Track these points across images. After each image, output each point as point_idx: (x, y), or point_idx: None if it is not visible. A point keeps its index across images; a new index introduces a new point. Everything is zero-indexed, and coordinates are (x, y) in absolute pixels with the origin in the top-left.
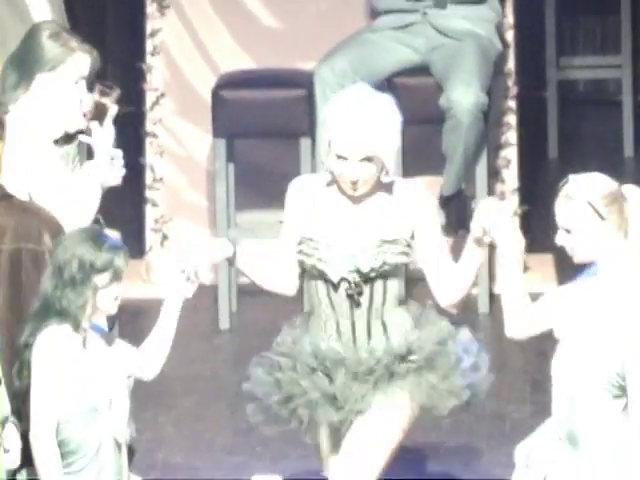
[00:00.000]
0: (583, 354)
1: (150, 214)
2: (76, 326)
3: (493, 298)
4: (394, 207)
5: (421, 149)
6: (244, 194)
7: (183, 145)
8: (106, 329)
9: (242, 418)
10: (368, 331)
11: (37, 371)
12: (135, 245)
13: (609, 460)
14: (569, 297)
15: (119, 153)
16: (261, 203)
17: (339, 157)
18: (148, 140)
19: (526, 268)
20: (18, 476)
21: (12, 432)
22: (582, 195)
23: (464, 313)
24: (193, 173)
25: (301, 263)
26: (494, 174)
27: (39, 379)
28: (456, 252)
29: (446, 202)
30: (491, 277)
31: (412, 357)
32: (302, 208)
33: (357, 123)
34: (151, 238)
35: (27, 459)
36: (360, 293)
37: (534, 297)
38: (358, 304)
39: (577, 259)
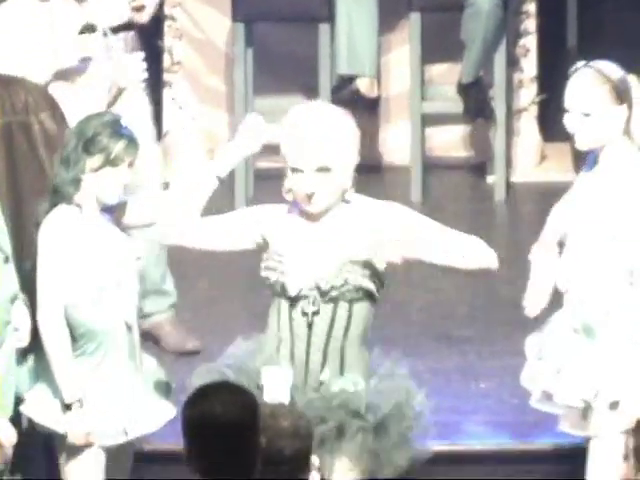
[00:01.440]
0: (593, 243)
1: (168, 96)
2: (69, 203)
3: (510, 186)
4: (362, 227)
5: (440, 37)
6: (262, 79)
7: (202, 29)
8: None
9: (258, 302)
10: (323, 361)
11: (43, 251)
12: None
13: (625, 350)
14: (571, 193)
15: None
16: (279, 88)
17: (294, 170)
18: (167, 23)
19: (543, 157)
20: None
21: (21, 310)
22: (602, 78)
23: (481, 202)
24: (212, 57)
25: (265, 279)
26: (513, 62)
27: (45, 259)
28: (472, 139)
29: (464, 90)
30: (508, 165)
31: (368, 416)
32: (271, 224)
33: (309, 132)
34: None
35: (37, 343)
36: (316, 313)
37: (551, 186)
38: (311, 326)
39: (585, 145)
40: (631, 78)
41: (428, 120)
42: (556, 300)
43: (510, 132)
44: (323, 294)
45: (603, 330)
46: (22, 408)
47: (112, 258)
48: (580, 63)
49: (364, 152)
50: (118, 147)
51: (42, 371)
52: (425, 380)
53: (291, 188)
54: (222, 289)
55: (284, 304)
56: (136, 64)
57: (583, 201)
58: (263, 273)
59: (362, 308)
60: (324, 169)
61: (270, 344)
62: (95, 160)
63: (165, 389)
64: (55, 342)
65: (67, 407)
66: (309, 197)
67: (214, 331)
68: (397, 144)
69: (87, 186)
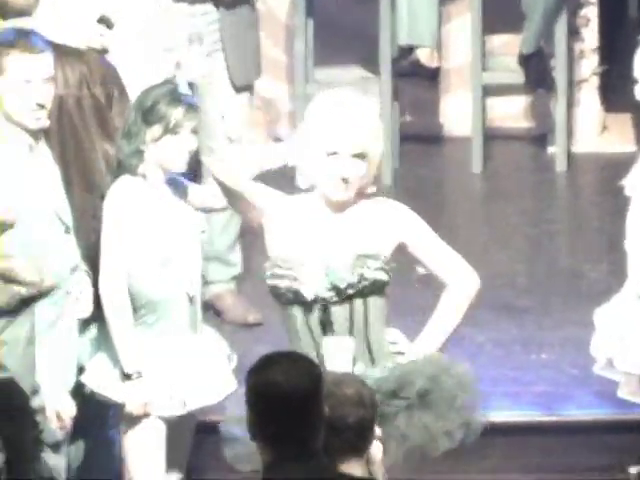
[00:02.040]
0: None
1: None
2: (133, 175)
3: (571, 157)
4: (374, 221)
5: (501, 7)
6: (323, 50)
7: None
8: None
9: None
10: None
11: (107, 220)
12: None
13: None
14: None
15: None
16: (339, 59)
17: (329, 154)
18: None
19: (604, 128)
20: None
21: (83, 280)
22: None
23: (542, 172)
24: (273, 28)
25: (274, 288)
26: (574, 33)
27: (109, 228)
28: (533, 110)
29: (525, 60)
30: (569, 135)
31: (402, 394)
32: (278, 226)
33: (349, 116)
34: None
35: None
36: (328, 321)
37: (612, 157)
38: (332, 327)
39: None
40: None
41: (489, 91)
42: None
43: (571, 103)
44: (340, 293)
45: None
46: (82, 378)
47: (176, 230)
48: None
49: (424, 123)
50: (176, 114)
51: (103, 341)
52: (486, 351)
53: (318, 174)
54: None
55: (298, 312)
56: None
57: None
58: (269, 281)
59: (377, 299)
60: (361, 156)
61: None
62: (155, 130)
63: (226, 361)
64: (116, 311)
65: (126, 377)
66: (345, 181)
67: (275, 303)
68: (458, 115)
69: (150, 157)
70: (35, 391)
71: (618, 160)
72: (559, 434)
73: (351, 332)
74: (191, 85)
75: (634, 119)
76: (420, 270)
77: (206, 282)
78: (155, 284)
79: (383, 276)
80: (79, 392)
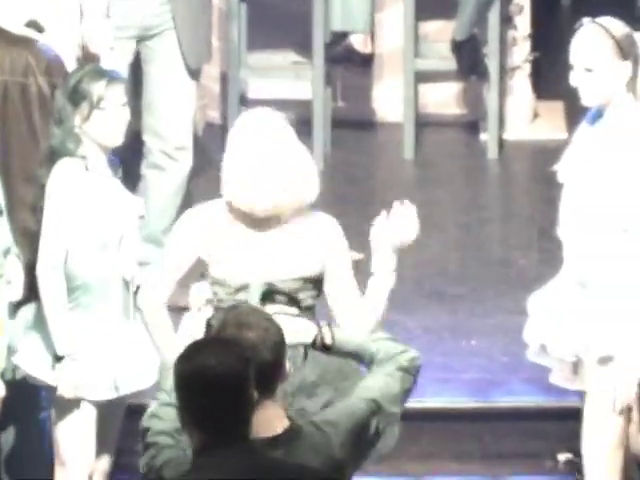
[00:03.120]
0: (591, 195)
1: None
2: (73, 158)
3: (502, 144)
4: (306, 240)
5: None
6: (256, 34)
7: None
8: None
9: None
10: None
11: (48, 203)
12: None
13: (619, 304)
14: (573, 143)
15: None
16: (273, 44)
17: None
18: None
19: (536, 115)
20: None
21: (15, 264)
22: (607, 33)
23: (474, 159)
24: None
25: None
26: (506, 20)
27: (50, 211)
28: (465, 96)
29: (458, 47)
30: (501, 123)
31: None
32: (203, 239)
33: (263, 177)
34: None
35: (32, 294)
36: None
37: (544, 144)
38: None
39: (590, 101)
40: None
41: (421, 77)
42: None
43: (503, 90)
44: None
45: (597, 284)
46: (14, 359)
47: (115, 213)
48: (586, 19)
49: (357, 108)
50: (99, 88)
51: (36, 324)
52: (416, 337)
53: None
54: None
55: None
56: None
57: (582, 154)
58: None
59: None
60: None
61: None
62: (83, 108)
63: None
64: (52, 293)
65: (59, 359)
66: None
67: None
68: (390, 101)
69: (85, 136)
70: None
71: (549, 148)
72: (489, 421)
73: None
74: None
75: (565, 107)
76: (352, 256)
77: (141, 263)
78: (92, 266)
79: (314, 302)
80: (10, 375)
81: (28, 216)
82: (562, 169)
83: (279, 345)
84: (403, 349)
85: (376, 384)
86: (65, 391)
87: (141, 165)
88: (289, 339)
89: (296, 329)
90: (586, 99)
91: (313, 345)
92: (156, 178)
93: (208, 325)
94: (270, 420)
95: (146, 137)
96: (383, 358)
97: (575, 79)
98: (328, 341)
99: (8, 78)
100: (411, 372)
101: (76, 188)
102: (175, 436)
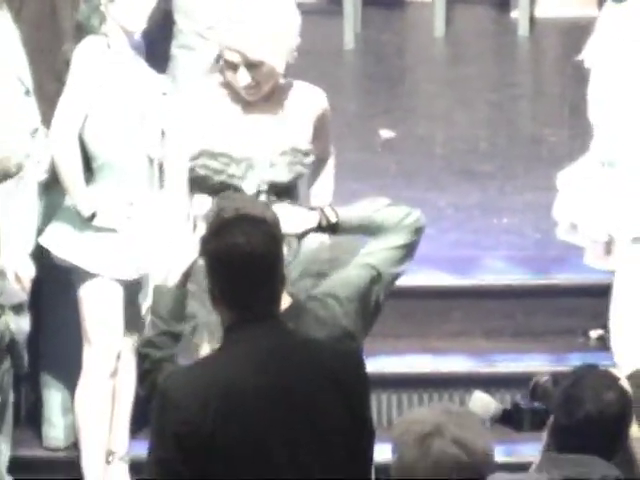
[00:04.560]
0: (619, 73)
1: None
2: (96, 34)
3: (533, 21)
4: (296, 112)
5: None
6: None
7: None
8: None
9: None
10: None
11: (70, 77)
12: None
13: None
14: (597, 25)
15: None
16: None
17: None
18: None
19: None
20: None
21: (43, 143)
22: None
23: (504, 36)
24: None
25: (203, 179)
26: None
27: (70, 83)
28: None
29: None
30: (532, 0)
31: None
32: (195, 116)
33: (239, 30)
34: None
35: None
36: None
37: (574, 21)
38: None
39: None
40: None
41: None
42: (587, 136)
43: None
44: (277, 189)
45: (625, 164)
46: (40, 240)
47: (136, 91)
48: None
49: None
50: None
51: (60, 206)
52: (446, 215)
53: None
54: None
55: None
56: None
57: (608, 33)
58: (200, 171)
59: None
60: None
61: None
62: None
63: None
64: (67, 160)
65: (88, 220)
66: (248, 88)
67: None
68: None
69: (109, 16)
70: None
71: (580, 24)
72: (520, 298)
73: None
74: None
75: None
76: (383, 134)
77: None
78: (115, 144)
79: (308, 172)
80: (38, 255)
81: (54, 91)
82: (588, 54)
83: (278, 232)
84: (407, 212)
85: (377, 251)
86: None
87: (171, 45)
88: (295, 228)
89: (300, 216)
90: None
91: (320, 227)
92: (186, 58)
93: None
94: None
95: (177, 17)
96: (388, 227)
97: None
98: (333, 219)
99: None
100: (415, 232)
101: (97, 64)
102: (175, 363)
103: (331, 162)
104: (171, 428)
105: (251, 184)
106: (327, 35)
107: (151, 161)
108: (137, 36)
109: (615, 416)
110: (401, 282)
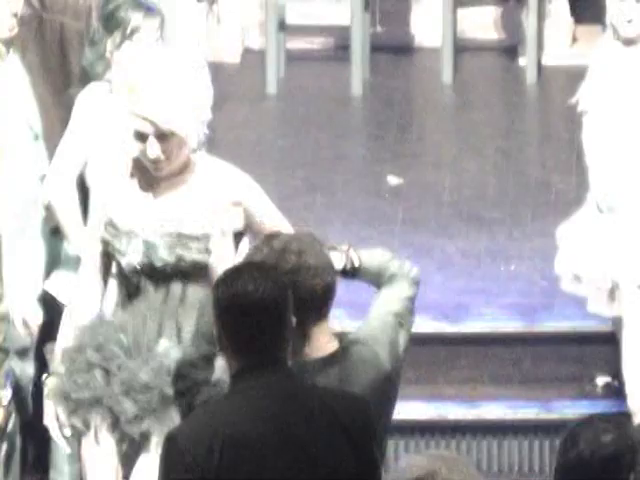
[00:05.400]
0: (615, 118)
1: None
2: (99, 81)
3: (541, 68)
4: (204, 192)
5: None
6: None
7: None
8: None
9: (289, 182)
10: (159, 330)
11: (71, 122)
12: None
13: None
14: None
15: None
16: None
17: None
18: None
19: (574, 39)
20: None
21: None
22: None
23: (512, 84)
24: None
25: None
26: None
27: (68, 130)
28: (504, 21)
29: None
30: (539, 47)
31: (194, 374)
32: (112, 185)
33: (149, 97)
34: None
35: None
36: (144, 297)
37: (582, 69)
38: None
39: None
40: None
41: (460, 1)
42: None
43: (542, 14)
44: (156, 271)
45: (625, 208)
46: (45, 285)
47: None
48: None
49: (396, 33)
50: (135, 20)
51: (65, 252)
52: (455, 262)
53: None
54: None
55: (120, 277)
56: None
57: (602, 76)
58: (101, 242)
59: (196, 287)
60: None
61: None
62: (115, 37)
63: None
64: (62, 206)
65: None
66: (154, 162)
67: None
68: (429, 26)
69: (114, 64)
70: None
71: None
72: (528, 345)
73: (162, 313)
74: None
75: (604, 31)
76: (391, 180)
77: None
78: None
79: (204, 258)
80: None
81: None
82: (581, 98)
83: (334, 268)
84: (410, 264)
85: (395, 300)
86: None
87: None
88: None
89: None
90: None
91: (343, 271)
92: None
93: (258, 251)
94: (325, 341)
95: None
96: (400, 278)
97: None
98: (357, 264)
99: (47, 16)
100: (417, 285)
101: (98, 110)
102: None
103: None
104: (176, 474)
105: (128, 262)
106: (335, 81)
107: None
108: None
109: (609, 459)
110: None
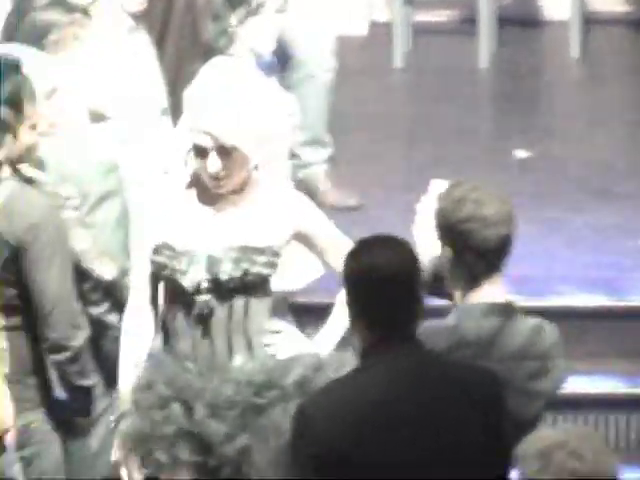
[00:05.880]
0: None
1: None
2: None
3: None
4: (266, 212)
5: None
6: None
7: None
8: None
9: (416, 156)
10: (229, 348)
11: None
12: None
13: None
14: None
15: None
16: None
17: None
18: None
19: None
20: None
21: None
22: None
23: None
24: None
25: (156, 274)
26: None
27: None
28: None
29: None
30: None
31: (277, 384)
32: (160, 213)
33: (214, 112)
34: None
35: None
36: (210, 314)
37: None
38: (208, 322)
39: None
40: None
41: None
42: None
43: None
44: (221, 287)
45: None
46: None
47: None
48: None
49: (523, 7)
50: None
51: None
52: (583, 236)
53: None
54: (381, 143)
55: (178, 307)
56: None
57: None
58: (152, 268)
59: (259, 300)
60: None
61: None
62: (239, 12)
63: None
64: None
65: None
66: (215, 178)
67: (373, 186)
68: None
69: (238, 39)
70: (125, 272)
71: None
72: None
73: (229, 330)
74: None
75: None
76: (518, 154)
77: (302, 165)
78: None
79: (269, 272)
80: None
81: None
82: None
83: (513, 222)
84: None
85: None
86: None
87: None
88: None
89: None
90: None
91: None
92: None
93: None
94: (493, 291)
95: None
96: None
97: None
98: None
99: None
100: None
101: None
102: None
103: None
104: (308, 450)
105: (191, 280)
106: (462, 54)
107: None
108: (267, 57)
109: None
110: (536, 303)
